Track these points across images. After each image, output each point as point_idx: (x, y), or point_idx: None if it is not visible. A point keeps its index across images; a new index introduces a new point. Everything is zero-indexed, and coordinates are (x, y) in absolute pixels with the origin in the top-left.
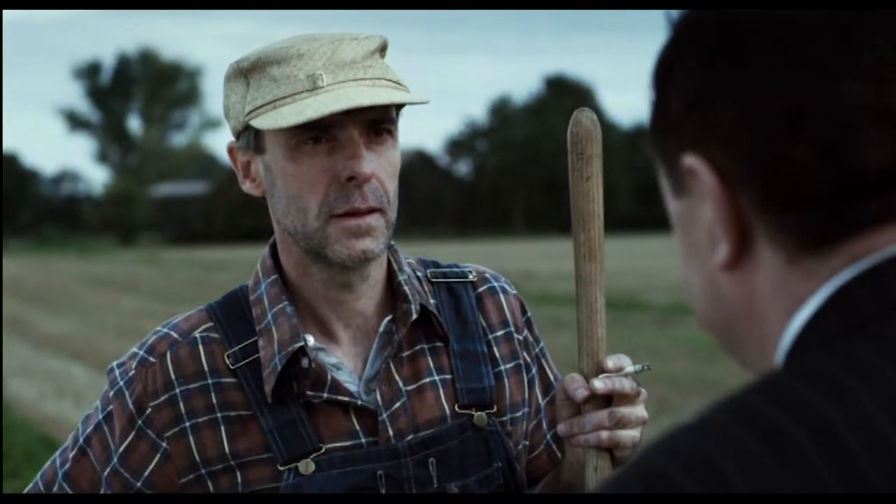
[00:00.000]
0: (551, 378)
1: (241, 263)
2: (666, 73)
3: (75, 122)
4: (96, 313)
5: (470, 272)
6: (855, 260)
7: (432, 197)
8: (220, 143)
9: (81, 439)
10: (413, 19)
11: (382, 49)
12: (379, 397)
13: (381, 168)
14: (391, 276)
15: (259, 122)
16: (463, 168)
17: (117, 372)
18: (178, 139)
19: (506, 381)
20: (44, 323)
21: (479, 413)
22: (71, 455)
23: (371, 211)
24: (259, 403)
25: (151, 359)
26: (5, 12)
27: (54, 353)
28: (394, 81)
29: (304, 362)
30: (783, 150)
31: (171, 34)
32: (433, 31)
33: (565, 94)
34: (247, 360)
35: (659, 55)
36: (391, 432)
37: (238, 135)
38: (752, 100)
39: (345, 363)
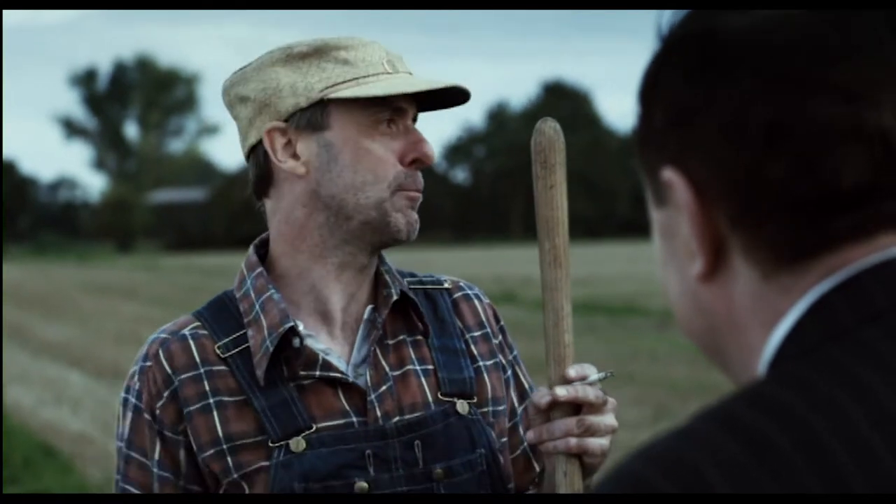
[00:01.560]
0: (526, 385)
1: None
2: (651, 87)
3: (72, 129)
4: (95, 320)
5: (445, 280)
6: (832, 272)
7: (430, 203)
8: (217, 149)
9: (121, 479)
10: (410, 22)
11: None
12: (367, 379)
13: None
14: (376, 270)
15: (352, 92)
16: (460, 174)
17: (125, 395)
18: (176, 145)
19: (485, 375)
20: (43, 330)
21: (461, 401)
22: (122, 489)
23: (421, 190)
24: (251, 387)
25: (148, 363)
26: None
27: (53, 359)
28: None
29: (296, 342)
30: (759, 166)
31: (168, 40)
32: (431, 35)
33: (563, 99)
34: (237, 349)
35: (646, 69)
36: (379, 413)
37: (289, 116)
38: (729, 115)
39: (333, 349)
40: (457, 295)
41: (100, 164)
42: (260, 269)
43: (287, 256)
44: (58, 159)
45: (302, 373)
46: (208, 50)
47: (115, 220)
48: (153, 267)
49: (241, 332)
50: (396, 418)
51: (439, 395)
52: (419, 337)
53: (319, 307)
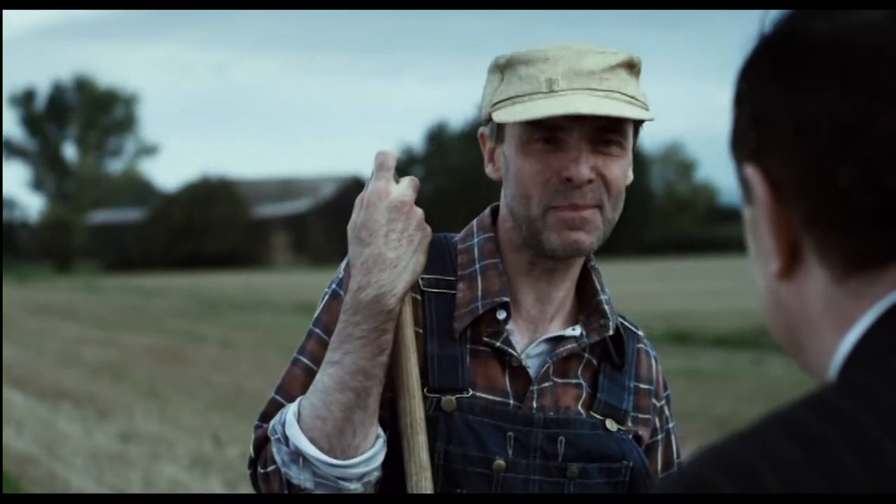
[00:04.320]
0: (673, 456)
1: (180, 290)
2: (741, 86)
3: (10, 149)
4: (36, 340)
5: (638, 328)
6: None
7: None
8: (155, 169)
9: (297, 351)
10: (350, 41)
11: (630, 65)
12: (536, 373)
13: (605, 170)
14: (587, 290)
15: (496, 115)
16: None
17: (331, 284)
18: (114, 166)
19: (631, 423)
20: None
21: (610, 420)
22: (295, 359)
23: (588, 207)
24: (432, 329)
25: None
26: None
27: None
28: (629, 96)
29: (501, 314)
30: (830, 170)
31: (106, 61)
32: (369, 55)
33: None
34: (437, 290)
35: (740, 69)
36: (535, 404)
37: (485, 123)
38: (806, 117)
39: (516, 333)
40: (641, 346)
41: (38, 185)
42: (492, 234)
43: (503, 237)
44: None
45: (485, 339)
46: (147, 71)
47: (54, 241)
48: (92, 287)
49: (450, 279)
50: (550, 413)
51: (591, 412)
52: (594, 360)
53: (512, 291)
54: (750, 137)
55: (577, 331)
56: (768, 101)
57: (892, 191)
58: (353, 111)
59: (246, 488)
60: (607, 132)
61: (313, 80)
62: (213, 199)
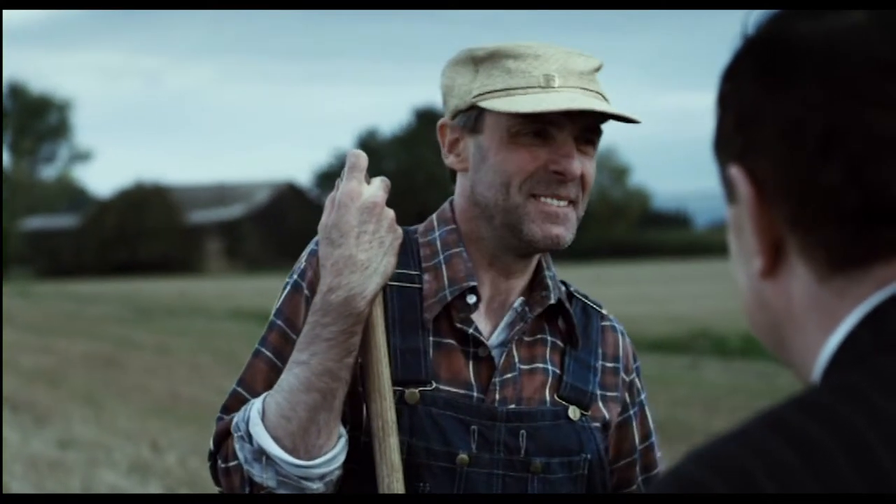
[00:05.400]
0: (650, 427)
1: (115, 296)
2: (726, 87)
3: None
4: None
5: (603, 307)
6: (885, 283)
7: (303, 229)
8: (89, 175)
9: (259, 343)
10: (283, 47)
11: (599, 70)
12: (499, 362)
13: (585, 169)
14: (538, 270)
15: (493, 104)
16: None
17: (291, 275)
18: (48, 172)
19: (599, 402)
20: None
21: (573, 407)
22: (257, 350)
23: (568, 202)
24: (394, 323)
25: (317, 247)
26: None
27: None
28: (606, 99)
29: (471, 298)
30: (814, 170)
31: (40, 67)
32: (303, 60)
33: (435, 124)
34: (399, 283)
35: (723, 71)
36: (498, 396)
37: (455, 114)
38: (791, 118)
39: (479, 323)
40: (606, 323)
41: None
42: (454, 226)
43: (465, 229)
44: None
45: (458, 325)
46: (80, 77)
47: None
48: (27, 294)
49: (412, 272)
50: (512, 405)
51: (556, 397)
52: (559, 342)
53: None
54: (735, 139)
55: (519, 301)
56: (753, 103)
57: (878, 190)
58: (286, 117)
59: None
60: (590, 132)
61: (246, 87)
62: (146, 205)
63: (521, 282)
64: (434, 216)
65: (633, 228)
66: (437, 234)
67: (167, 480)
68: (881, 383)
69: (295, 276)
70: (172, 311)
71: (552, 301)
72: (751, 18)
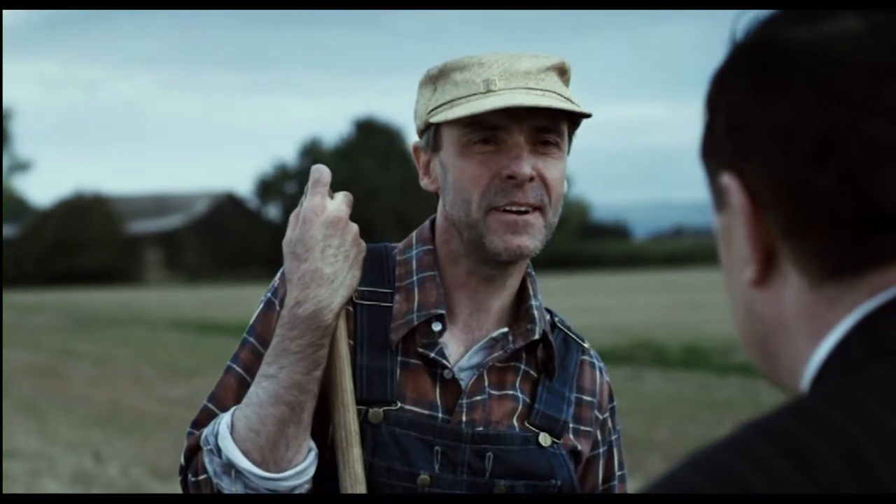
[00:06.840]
0: (615, 468)
1: (54, 306)
2: (716, 93)
3: None
4: None
5: (585, 341)
6: (878, 291)
7: (243, 240)
8: (28, 185)
9: (231, 360)
10: (224, 58)
11: (561, 70)
12: (467, 385)
13: (545, 170)
14: (522, 297)
15: (435, 118)
16: (273, 211)
17: (266, 293)
18: None
19: (571, 434)
20: None
21: (544, 434)
22: (228, 367)
23: (531, 209)
24: (362, 340)
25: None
26: None
27: None
28: (565, 98)
29: (436, 326)
30: (807, 177)
31: None
32: (244, 71)
33: (375, 135)
34: (371, 302)
35: (713, 75)
36: (464, 418)
37: (421, 134)
38: (783, 125)
39: (450, 345)
40: (586, 357)
41: None
42: (431, 247)
43: (441, 249)
44: None
45: (419, 350)
46: (19, 86)
47: None
48: None
49: (384, 291)
50: (480, 428)
51: (525, 423)
52: (532, 372)
53: (448, 303)
54: (726, 145)
55: (501, 332)
56: (745, 110)
57: (871, 198)
58: (226, 127)
59: None
60: (545, 132)
61: (187, 97)
62: (86, 215)
63: (499, 301)
64: (414, 234)
65: (572, 240)
66: (413, 252)
67: (110, 490)
68: (876, 391)
69: (269, 294)
70: (113, 321)
71: (536, 336)
72: (740, 22)
